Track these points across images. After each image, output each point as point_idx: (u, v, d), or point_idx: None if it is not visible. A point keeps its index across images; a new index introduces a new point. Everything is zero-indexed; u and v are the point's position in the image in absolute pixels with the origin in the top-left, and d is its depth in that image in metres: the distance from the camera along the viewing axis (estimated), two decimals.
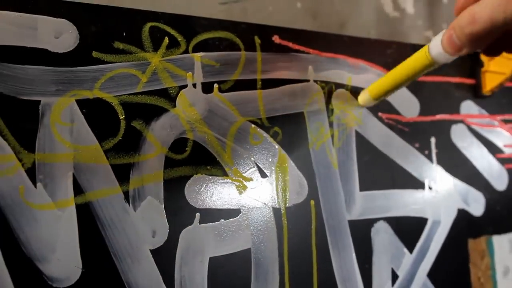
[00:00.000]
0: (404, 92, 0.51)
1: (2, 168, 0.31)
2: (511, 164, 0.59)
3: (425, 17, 0.69)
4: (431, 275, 0.50)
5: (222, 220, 0.39)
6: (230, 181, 0.40)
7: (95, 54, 0.35)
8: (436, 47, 0.35)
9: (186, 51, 0.39)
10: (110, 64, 0.36)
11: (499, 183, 0.58)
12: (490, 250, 0.55)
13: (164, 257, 0.36)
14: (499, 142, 0.58)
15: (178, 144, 0.38)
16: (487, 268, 0.55)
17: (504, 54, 0.53)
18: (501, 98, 0.59)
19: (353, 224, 0.45)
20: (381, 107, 0.49)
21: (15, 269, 0.31)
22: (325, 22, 0.59)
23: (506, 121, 0.60)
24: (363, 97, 0.46)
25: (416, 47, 0.54)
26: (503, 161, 0.58)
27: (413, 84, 0.52)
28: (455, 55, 0.33)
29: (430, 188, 0.51)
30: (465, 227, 0.53)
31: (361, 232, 0.46)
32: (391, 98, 0.50)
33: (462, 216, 0.53)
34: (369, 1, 0.63)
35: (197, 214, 0.38)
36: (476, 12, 0.29)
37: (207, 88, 0.40)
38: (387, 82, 0.42)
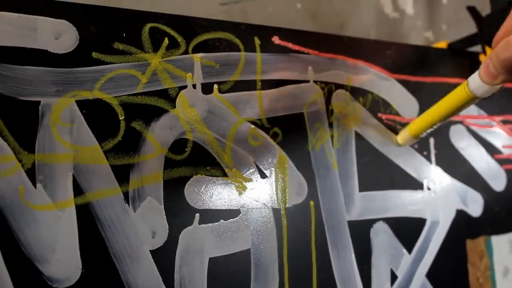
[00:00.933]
0: (403, 92, 0.52)
1: (1, 168, 0.31)
2: (509, 165, 0.59)
3: (425, 18, 0.69)
4: (430, 275, 0.50)
5: (222, 220, 0.39)
6: (230, 181, 0.40)
7: (95, 55, 0.35)
8: (474, 80, 0.36)
9: (186, 52, 0.39)
10: (110, 65, 0.36)
11: (497, 184, 0.58)
12: (489, 251, 0.55)
13: (164, 257, 0.36)
14: (498, 143, 0.58)
15: (178, 144, 0.38)
16: (486, 269, 0.55)
17: None
18: (500, 99, 0.60)
19: (353, 225, 0.45)
20: (380, 107, 0.50)
21: (15, 269, 0.31)
22: (324, 23, 0.59)
23: (504, 122, 0.60)
24: (402, 136, 0.48)
25: (416, 48, 0.54)
26: (501, 161, 0.58)
27: (412, 85, 0.52)
28: (492, 84, 0.34)
29: (429, 188, 0.51)
30: (463, 227, 0.53)
31: (361, 233, 0.46)
32: (390, 98, 0.50)
33: (461, 217, 0.53)
34: (368, 2, 0.63)
35: (197, 215, 0.38)
36: (511, 39, 0.29)
37: (207, 88, 0.40)
38: (427, 120, 0.43)
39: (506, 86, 0.58)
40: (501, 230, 0.57)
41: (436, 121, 0.42)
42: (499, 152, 0.58)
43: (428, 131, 0.44)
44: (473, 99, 0.37)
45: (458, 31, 0.70)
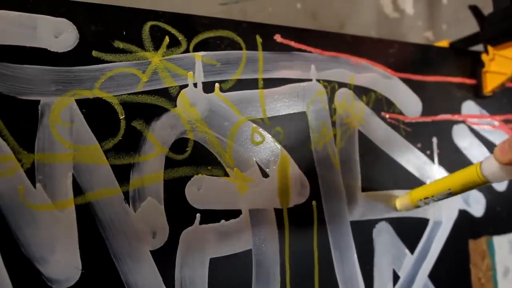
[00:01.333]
0: (406, 91, 0.51)
1: (1, 168, 0.31)
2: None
3: (425, 18, 0.69)
4: (432, 276, 0.50)
5: (223, 221, 0.39)
6: (231, 181, 0.39)
7: (95, 53, 0.35)
8: (488, 161, 0.34)
9: (187, 50, 0.39)
10: (110, 64, 0.36)
11: (499, 184, 0.58)
12: (490, 251, 0.55)
13: (165, 258, 0.36)
14: (499, 143, 0.58)
15: (179, 144, 0.38)
16: (487, 269, 0.55)
17: (504, 53, 0.54)
18: (502, 98, 0.60)
19: (355, 225, 0.45)
20: (383, 106, 0.49)
21: (14, 270, 0.31)
22: (324, 23, 0.59)
23: (506, 122, 0.60)
24: (401, 202, 0.46)
25: (418, 47, 0.54)
26: None
27: (415, 83, 0.52)
28: (502, 161, 0.32)
29: None
30: (466, 228, 0.53)
31: (363, 233, 0.46)
32: (393, 97, 0.50)
33: (463, 217, 0.53)
34: (368, 2, 0.63)
35: (198, 215, 0.38)
36: None
37: (208, 87, 0.39)
38: (430, 191, 0.42)
39: (507, 86, 0.58)
40: (502, 230, 0.57)
41: (440, 195, 0.41)
42: None
43: (430, 202, 0.43)
44: (483, 182, 0.35)
45: (458, 31, 0.70)
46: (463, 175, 0.38)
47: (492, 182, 0.35)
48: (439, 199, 0.42)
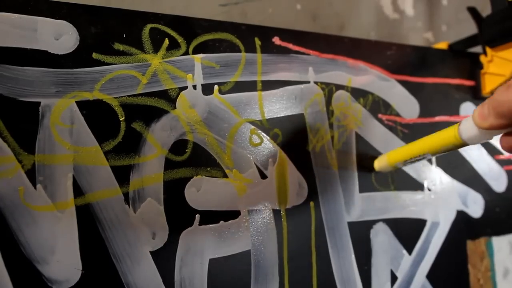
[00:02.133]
0: (403, 93, 0.52)
1: (1, 169, 0.31)
2: (510, 165, 0.59)
3: (425, 19, 0.69)
4: (430, 276, 0.50)
5: (222, 221, 0.39)
6: (230, 182, 0.40)
7: (95, 55, 0.35)
8: (466, 121, 0.33)
9: (186, 53, 0.39)
10: (110, 66, 0.36)
11: (498, 185, 0.58)
12: (489, 252, 0.55)
13: (164, 258, 0.36)
14: (498, 144, 0.58)
15: (178, 145, 0.38)
16: (486, 270, 0.55)
17: (503, 55, 0.54)
18: None
19: (353, 226, 0.45)
20: (380, 108, 0.50)
21: (15, 270, 0.31)
22: (324, 24, 0.59)
23: None
24: (380, 162, 0.46)
25: (416, 49, 0.54)
26: (502, 162, 0.58)
27: (412, 85, 0.52)
28: (480, 126, 0.31)
29: (429, 189, 0.51)
30: (464, 228, 0.53)
31: (361, 234, 0.46)
32: (390, 99, 0.50)
33: (461, 218, 0.53)
34: (368, 3, 0.63)
35: (197, 216, 0.38)
36: (511, 83, 0.28)
37: (207, 89, 0.40)
38: (408, 153, 0.42)
39: None
40: (501, 231, 0.57)
41: (417, 156, 0.40)
42: (499, 153, 0.58)
43: (407, 164, 0.43)
44: (460, 143, 0.34)
45: (458, 32, 0.70)
46: (441, 139, 0.37)
47: (470, 144, 0.34)
48: (417, 161, 0.41)
